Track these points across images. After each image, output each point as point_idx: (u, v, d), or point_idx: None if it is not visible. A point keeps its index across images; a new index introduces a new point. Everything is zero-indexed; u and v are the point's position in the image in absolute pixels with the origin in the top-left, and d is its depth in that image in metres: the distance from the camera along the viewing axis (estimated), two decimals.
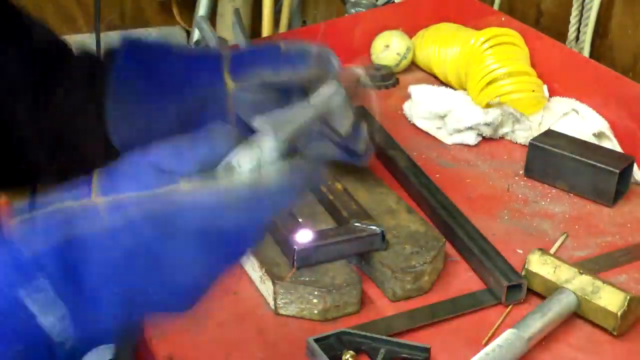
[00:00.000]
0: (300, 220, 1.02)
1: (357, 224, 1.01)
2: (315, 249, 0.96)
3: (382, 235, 1.00)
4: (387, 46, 1.57)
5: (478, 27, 1.48)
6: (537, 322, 0.92)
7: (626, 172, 1.20)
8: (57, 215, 0.65)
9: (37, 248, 0.63)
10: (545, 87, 1.40)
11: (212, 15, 2.60)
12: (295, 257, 0.95)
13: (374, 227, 1.00)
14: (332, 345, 0.89)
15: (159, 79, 0.97)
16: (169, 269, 0.64)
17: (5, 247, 0.63)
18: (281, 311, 0.95)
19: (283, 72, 0.96)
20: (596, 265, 1.05)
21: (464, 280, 1.03)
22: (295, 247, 0.95)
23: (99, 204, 0.65)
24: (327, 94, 0.75)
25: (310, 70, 0.97)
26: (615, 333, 0.94)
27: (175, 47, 1.05)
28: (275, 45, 1.00)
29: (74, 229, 0.64)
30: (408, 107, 1.43)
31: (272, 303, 0.95)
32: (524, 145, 1.33)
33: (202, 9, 2.59)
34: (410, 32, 1.60)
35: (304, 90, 0.93)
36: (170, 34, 2.83)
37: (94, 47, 2.63)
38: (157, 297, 0.65)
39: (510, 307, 0.98)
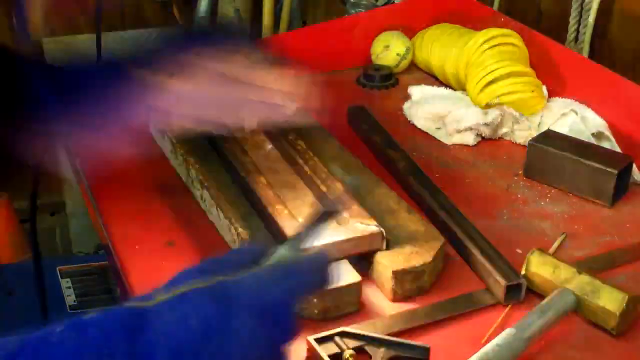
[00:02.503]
0: (300, 220, 1.02)
1: (357, 224, 1.01)
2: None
3: (382, 235, 1.00)
4: (387, 46, 1.57)
5: (478, 28, 1.48)
6: (536, 322, 0.92)
7: (625, 172, 1.20)
8: (126, 306, 0.69)
9: (107, 334, 0.65)
10: (544, 87, 1.41)
11: (212, 15, 2.60)
12: None
13: (374, 227, 1.00)
14: (332, 345, 0.89)
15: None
16: (233, 346, 0.68)
17: (78, 330, 0.65)
18: None
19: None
20: (595, 265, 1.06)
21: (464, 280, 1.03)
22: None
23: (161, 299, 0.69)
24: None
25: None
26: (614, 333, 0.94)
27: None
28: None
29: (142, 320, 0.67)
30: (408, 107, 1.43)
31: None
32: (523, 145, 1.33)
33: (202, 9, 2.59)
34: (410, 32, 1.61)
35: None
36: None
37: (94, 47, 2.63)
38: None
39: (509, 307, 0.99)
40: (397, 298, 0.99)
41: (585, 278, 0.96)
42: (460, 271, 1.05)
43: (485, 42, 1.40)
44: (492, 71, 1.38)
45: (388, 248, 1.00)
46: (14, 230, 2.49)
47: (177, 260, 1.04)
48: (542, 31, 1.53)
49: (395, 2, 1.78)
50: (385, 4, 1.82)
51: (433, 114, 1.38)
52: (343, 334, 0.90)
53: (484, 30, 1.42)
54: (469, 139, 1.34)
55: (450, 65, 1.48)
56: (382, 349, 0.89)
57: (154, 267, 1.02)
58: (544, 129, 1.31)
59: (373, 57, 1.59)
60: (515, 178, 1.26)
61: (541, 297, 0.99)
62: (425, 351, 0.89)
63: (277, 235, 1.01)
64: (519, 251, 1.08)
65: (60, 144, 1.06)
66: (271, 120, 1.02)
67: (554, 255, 1.03)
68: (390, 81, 1.55)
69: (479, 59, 1.39)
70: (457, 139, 1.35)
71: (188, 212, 1.14)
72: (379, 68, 1.55)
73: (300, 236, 0.78)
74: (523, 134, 1.35)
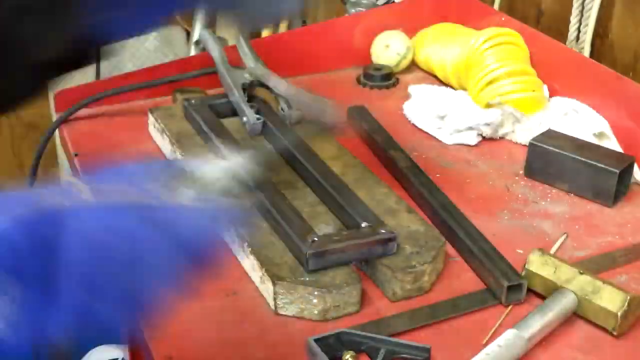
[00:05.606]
0: (310, 223, 1.01)
1: (368, 228, 1.00)
2: (327, 253, 0.96)
3: (395, 239, 0.99)
4: (387, 46, 1.57)
5: (478, 27, 1.48)
6: (537, 322, 0.92)
7: (626, 172, 1.20)
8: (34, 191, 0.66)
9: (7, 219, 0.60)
10: (545, 87, 1.40)
11: (212, 14, 2.59)
12: (307, 262, 0.95)
13: (386, 232, 0.99)
14: (332, 345, 0.88)
15: None
16: (142, 262, 0.65)
17: None
18: (281, 311, 0.95)
19: None
20: (596, 265, 1.05)
21: (464, 280, 1.03)
22: (307, 251, 0.95)
23: (82, 187, 0.66)
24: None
25: None
26: (615, 333, 0.94)
27: None
28: None
29: (52, 202, 0.63)
30: (408, 107, 1.43)
31: (272, 303, 0.95)
32: (524, 145, 1.32)
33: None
34: (410, 32, 1.60)
35: None
36: (170, 34, 2.83)
37: None
38: (124, 295, 0.64)
39: (510, 307, 0.98)
40: (397, 298, 0.98)
41: (586, 278, 0.96)
42: (460, 271, 1.05)
43: (485, 41, 1.40)
44: (493, 71, 1.37)
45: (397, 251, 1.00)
46: None
47: None
48: (543, 30, 1.52)
49: (396, 1, 1.77)
50: (386, 3, 1.82)
51: (433, 114, 1.38)
52: (343, 334, 0.90)
53: (485, 30, 1.42)
54: (470, 138, 1.34)
55: (450, 65, 1.48)
56: (382, 349, 0.88)
57: None
58: (544, 128, 1.30)
59: (373, 57, 1.58)
60: (516, 178, 1.26)
61: (542, 297, 0.98)
62: (426, 351, 0.89)
63: (280, 234, 1.01)
64: (520, 251, 1.07)
65: None
66: None
67: (555, 255, 1.03)
68: (391, 81, 1.54)
69: (480, 59, 1.39)
70: (458, 138, 1.34)
71: None
72: (379, 68, 1.55)
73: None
74: (524, 133, 1.34)
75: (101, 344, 1.91)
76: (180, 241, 0.67)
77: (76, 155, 1.27)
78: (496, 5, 1.76)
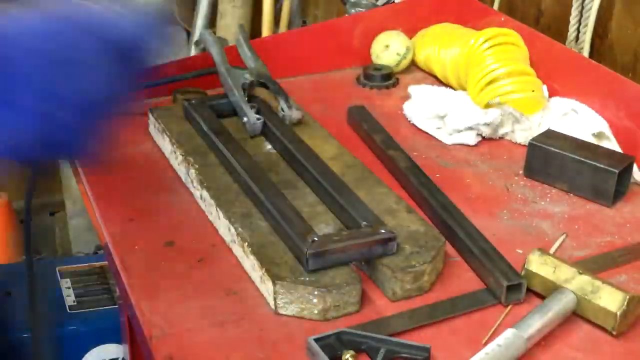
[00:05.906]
0: (310, 223, 1.02)
1: (368, 228, 1.00)
2: (327, 253, 0.96)
3: (395, 239, 0.99)
4: (387, 46, 1.57)
5: (478, 27, 1.48)
6: (536, 322, 0.92)
7: (626, 172, 1.20)
8: None
9: None
10: (545, 87, 1.41)
11: (212, 14, 2.60)
12: (307, 262, 0.95)
13: (386, 232, 0.99)
14: (332, 345, 0.89)
15: None
16: (83, 74, 0.69)
17: None
18: (281, 311, 0.95)
19: None
20: (596, 265, 1.05)
21: (464, 280, 1.03)
22: (307, 251, 0.95)
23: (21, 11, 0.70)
24: None
25: None
26: (614, 333, 0.94)
27: None
28: None
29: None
30: (408, 107, 1.43)
31: (272, 303, 0.95)
32: (524, 145, 1.33)
33: (202, 8, 2.59)
34: (410, 32, 1.60)
35: None
36: (170, 34, 2.83)
37: None
38: (72, 104, 0.69)
39: (510, 307, 0.98)
40: (397, 298, 0.98)
41: (585, 278, 0.96)
42: (460, 271, 1.05)
43: (485, 41, 1.40)
44: (493, 71, 1.38)
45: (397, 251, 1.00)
46: (13, 230, 2.50)
47: (176, 260, 1.04)
48: (542, 30, 1.52)
49: (396, 1, 1.78)
50: (385, 3, 1.82)
51: (433, 114, 1.38)
52: (343, 334, 0.90)
53: (485, 30, 1.42)
54: (469, 138, 1.34)
55: (450, 65, 1.48)
56: (382, 349, 0.89)
57: (153, 268, 1.02)
58: (544, 128, 1.31)
59: (373, 57, 1.58)
60: (516, 178, 1.26)
61: (541, 297, 0.98)
62: (426, 351, 0.89)
63: (280, 234, 1.01)
64: (519, 251, 1.07)
65: None
66: None
67: (555, 255, 1.03)
68: (390, 81, 1.55)
69: (479, 59, 1.39)
70: (457, 138, 1.34)
71: (188, 212, 1.14)
72: (379, 68, 1.55)
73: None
74: (523, 133, 1.34)
75: (101, 344, 1.92)
76: (117, 45, 0.72)
77: None
78: (496, 5, 1.76)
